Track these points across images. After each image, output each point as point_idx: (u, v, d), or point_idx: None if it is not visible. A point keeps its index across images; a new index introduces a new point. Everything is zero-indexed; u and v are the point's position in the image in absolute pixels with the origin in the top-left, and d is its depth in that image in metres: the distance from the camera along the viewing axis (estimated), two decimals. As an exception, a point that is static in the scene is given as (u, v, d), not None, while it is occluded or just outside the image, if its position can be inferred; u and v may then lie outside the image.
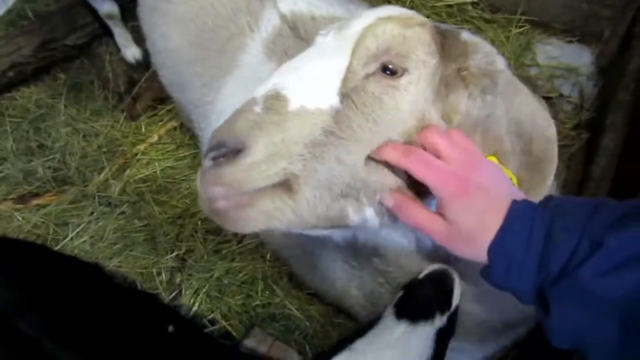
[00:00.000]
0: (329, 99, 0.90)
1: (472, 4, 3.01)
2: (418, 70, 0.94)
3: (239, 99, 1.75)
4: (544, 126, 1.00)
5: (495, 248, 0.83)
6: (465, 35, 1.02)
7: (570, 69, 2.82)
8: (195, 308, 2.36)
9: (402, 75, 0.93)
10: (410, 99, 0.93)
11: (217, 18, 1.73)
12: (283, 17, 1.57)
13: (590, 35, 2.86)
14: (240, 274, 2.48)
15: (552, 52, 2.87)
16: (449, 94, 0.97)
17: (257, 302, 2.41)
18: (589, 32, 2.86)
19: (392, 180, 0.92)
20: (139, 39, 2.97)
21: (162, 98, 3.00)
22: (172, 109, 3.00)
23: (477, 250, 0.85)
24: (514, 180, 0.99)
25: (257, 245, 2.54)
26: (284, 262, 1.84)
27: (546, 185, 0.99)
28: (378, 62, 0.93)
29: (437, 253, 1.14)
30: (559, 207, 0.85)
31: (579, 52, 2.87)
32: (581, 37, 2.89)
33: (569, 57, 2.84)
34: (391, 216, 0.95)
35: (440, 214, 0.87)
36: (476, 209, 0.84)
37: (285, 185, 0.87)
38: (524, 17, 2.88)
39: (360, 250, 1.31)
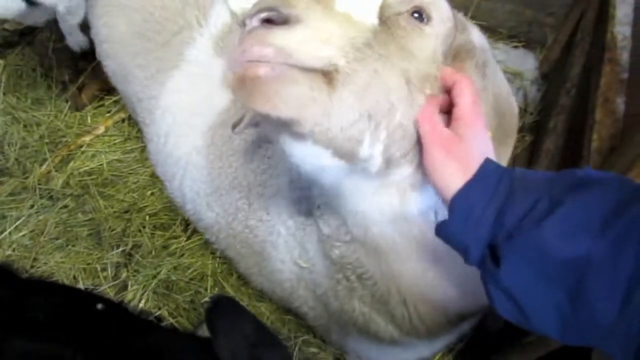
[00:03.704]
0: (371, 17, 0.91)
1: (424, 6, 3.07)
2: (439, 27, 0.98)
3: (185, 94, 1.71)
4: (513, 102, 1.13)
5: (460, 196, 0.85)
6: (461, 16, 1.10)
7: (515, 74, 2.92)
8: (141, 305, 2.32)
9: (428, 23, 0.97)
10: (430, 49, 0.97)
11: (164, 10, 1.69)
12: (233, 14, 1.56)
13: (535, 41, 2.98)
14: (189, 270, 2.44)
15: (499, 56, 2.95)
16: (454, 62, 1.02)
17: (206, 298, 2.38)
18: (533, 38, 2.98)
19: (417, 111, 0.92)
20: (87, 27, 2.86)
21: (109, 88, 2.90)
22: (120, 99, 2.91)
23: (458, 170, 0.87)
24: None
25: (207, 241, 2.51)
26: (231, 261, 1.82)
27: (507, 158, 1.07)
28: (410, 5, 0.95)
29: (423, 217, 1.08)
30: (521, 175, 0.88)
31: (523, 57, 2.98)
32: (526, 42, 3.00)
33: (514, 62, 2.95)
34: (392, 163, 0.95)
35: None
36: (484, 143, 0.90)
37: (327, 76, 0.83)
38: (472, 22, 2.95)
39: (317, 241, 1.30)
